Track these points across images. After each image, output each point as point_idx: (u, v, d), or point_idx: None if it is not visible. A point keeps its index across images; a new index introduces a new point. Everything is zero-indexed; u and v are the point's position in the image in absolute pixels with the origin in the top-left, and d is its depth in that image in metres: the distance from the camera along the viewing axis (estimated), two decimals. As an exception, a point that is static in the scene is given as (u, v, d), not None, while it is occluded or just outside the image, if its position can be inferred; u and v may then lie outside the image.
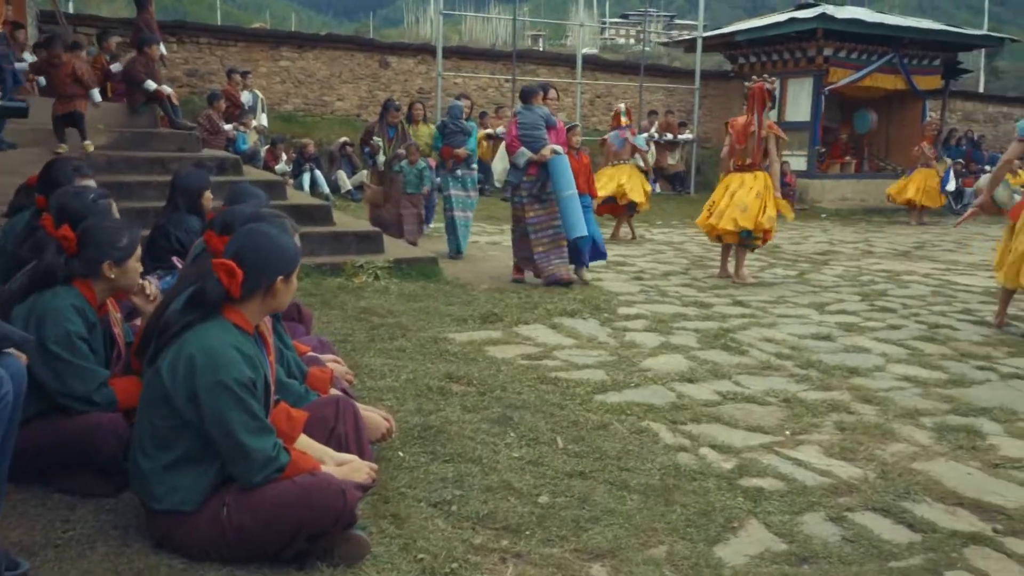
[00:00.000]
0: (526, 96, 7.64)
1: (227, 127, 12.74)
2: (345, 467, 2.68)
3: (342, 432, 2.92)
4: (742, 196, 8.00)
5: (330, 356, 3.83)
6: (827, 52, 16.88)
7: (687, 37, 22.74)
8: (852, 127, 18.81)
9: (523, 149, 7.35)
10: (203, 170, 5.45)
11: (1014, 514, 3.22)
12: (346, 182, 14.53)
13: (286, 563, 2.54)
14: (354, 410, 3.02)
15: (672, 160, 18.46)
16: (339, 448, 2.85)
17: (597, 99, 19.19)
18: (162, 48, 9.95)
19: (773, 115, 10.81)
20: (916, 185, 15.14)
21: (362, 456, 2.86)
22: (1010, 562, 2.87)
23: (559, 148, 7.42)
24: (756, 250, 8.74)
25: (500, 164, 7.89)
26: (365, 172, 12.79)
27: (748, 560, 2.80)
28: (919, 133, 15.99)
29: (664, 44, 28.92)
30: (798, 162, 17.18)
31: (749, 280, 8.27)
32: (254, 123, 13.58)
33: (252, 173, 9.57)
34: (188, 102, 13.99)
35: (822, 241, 12.49)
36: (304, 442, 2.73)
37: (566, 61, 19.17)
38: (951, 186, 16.40)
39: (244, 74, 14.23)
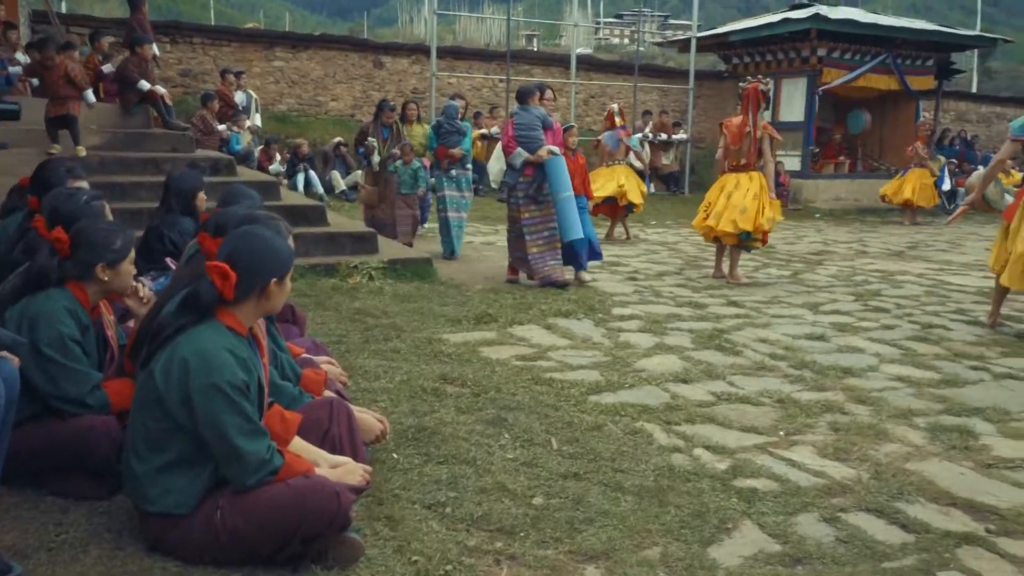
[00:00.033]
0: (522, 96, 7.62)
1: (221, 127, 12.72)
2: (339, 469, 2.68)
3: (336, 434, 2.92)
4: (739, 198, 8.01)
5: (324, 358, 3.83)
6: (821, 52, 16.91)
7: (681, 37, 22.73)
8: (846, 127, 18.85)
9: (519, 150, 7.34)
10: (197, 171, 5.44)
11: (1007, 514, 3.23)
12: (340, 182, 14.52)
13: (280, 566, 2.54)
14: (348, 412, 3.02)
15: (666, 160, 18.48)
16: (333, 450, 2.85)
17: (591, 99, 19.21)
18: (155, 48, 9.92)
19: (767, 115, 10.83)
20: (912, 185, 15.17)
21: (356, 458, 2.86)
22: (1003, 562, 2.88)
23: (556, 149, 7.41)
24: (753, 251, 8.75)
25: (496, 165, 7.89)
26: (360, 172, 12.77)
27: (742, 561, 2.80)
28: (913, 133, 16.03)
29: (658, 44, 28.97)
30: (792, 162, 17.21)
31: (743, 280, 8.28)
32: (248, 123, 13.56)
33: (246, 174, 9.56)
34: (182, 102, 13.97)
35: (816, 241, 12.52)
36: (298, 444, 2.73)
37: (560, 61, 19.18)
38: (947, 185, 16.46)
39: (238, 74, 14.21)
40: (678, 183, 18.54)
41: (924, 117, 17.82)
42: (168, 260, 4.51)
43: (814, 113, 17.25)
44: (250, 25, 27.58)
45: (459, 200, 9.09)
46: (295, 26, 44.47)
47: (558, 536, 2.89)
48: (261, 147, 13.65)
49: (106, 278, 2.98)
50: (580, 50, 22.24)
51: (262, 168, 12.81)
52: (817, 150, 18.19)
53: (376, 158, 9.35)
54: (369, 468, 2.80)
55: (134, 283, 3.13)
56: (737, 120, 8.13)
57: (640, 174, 12.02)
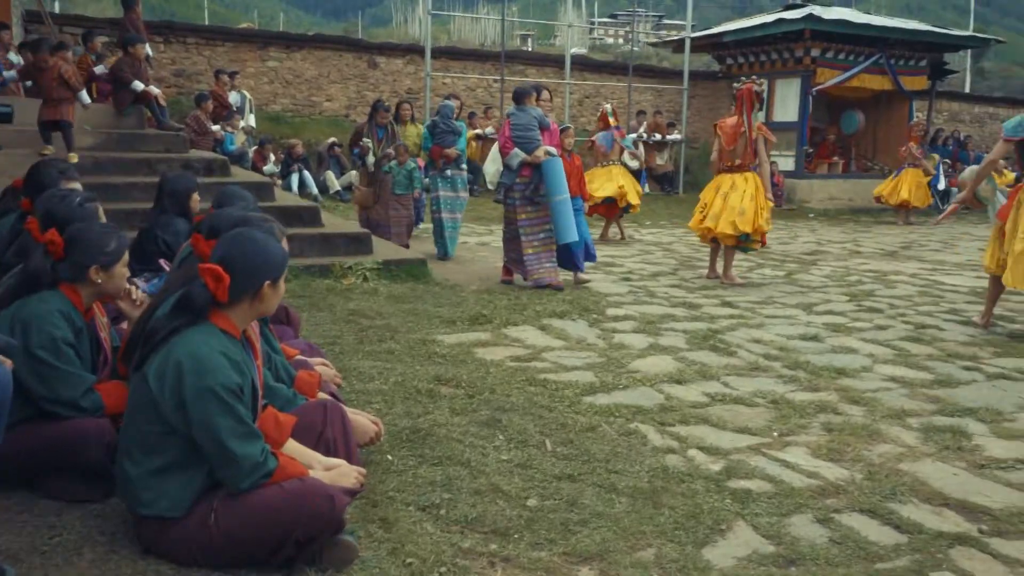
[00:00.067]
0: (519, 97, 7.59)
1: (215, 128, 12.70)
2: (333, 472, 2.68)
3: (330, 436, 2.92)
4: (736, 199, 8.00)
5: (318, 359, 3.83)
6: (815, 53, 16.95)
7: (675, 37, 22.78)
8: (839, 127, 18.90)
9: (516, 150, 7.32)
10: (190, 172, 5.44)
11: (999, 514, 3.24)
12: (334, 182, 14.51)
13: (274, 569, 2.53)
14: (342, 414, 3.02)
15: (660, 160, 18.52)
16: (327, 452, 2.85)
17: (586, 99, 19.22)
18: (147, 48, 9.89)
19: (761, 116, 10.84)
20: (908, 186, 15.22)
21: (350, 460, 2.86)
22: (995, 563, 2.89)
23: (553, 150, 7.39)
24: (750, 252, 8.75)
25: (492, 166, 7.86)
26: (354, 173, 12.77)
27: (736, 562, 2.81)
28: (906, 133, 16.08)
29: (653, 44, 28.98)
30: (786, 162, 17.26)
31: (737, 281, 8.30)
32: (242, 124, 13.55)
33: (240, 174, 9.54)
34: (176, 103, 13.95)
35: (810, 241, 12.55)
36: (292, 447, 2.73)
37: (554, 61, 19.19)
38: (942, 184, 16.54)
39: (232, 74, 14.19)
40: (672, 183, 18.57)
41: (917, 117, 17.88)
42: (162, 261, 4.50)
43: (808, 113, 17.30)
44: (244, 25, 27.58)
45: (454, 200, 9.09)
46: (289, 26, 44.48)
47: (552, 538, 2.89)
48: (255, 147, 13.63)
49: (99, 280, 2.98)
50: (575, 50, 22.26)
51: (256, 169, 12.79)
52: (811, 150, 18.24)
53: (371, 159, 9.34)
54: (363, 470, 2.80)
55: (127, 286, 3.13)
56: (731, 121, 8.14)
57: (636, 174, 12.02)
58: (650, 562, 2.78)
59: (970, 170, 7.38)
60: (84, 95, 8.53)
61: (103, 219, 3.61)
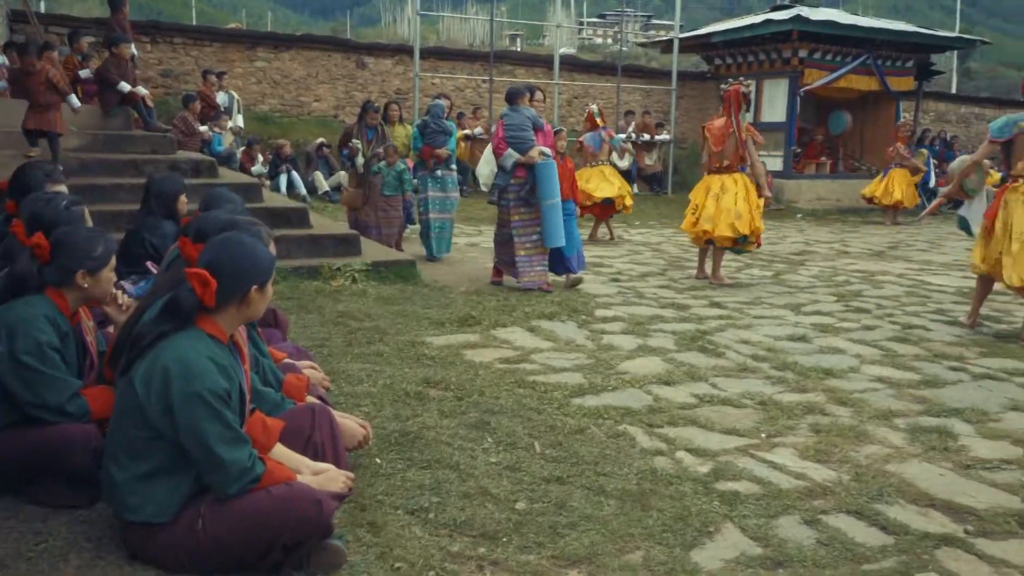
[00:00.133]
0: (512, 97, 7.54)
1: (202, 128, 12.65)
2: (321, 476, 2.68)
3: (318, 440, 2.91)
4: (729, 201, 8.01)
5: (306, 362, 3.82)
6: (802, 53, 17.01)
7: (664, 38, 22.82)
8: (827, 128, 18.96)
9: (510, 151, 7.27)
10: (178, 173, 5.41)
11: (984, 515, 3.26)
12: (323, 183, 14.48)
13: (262, 574, 2.53)
14: (330, 418, 3.01)
15: (649, 160, 18.54)
16: (315, 457, 2.84)
17: (575, 100, 19.23)
18: (133, 49, 9.84)
19: (749, 116, 10.88)
20: (899, 186, 15.29)
21: (338, 464, 2.85)
22: (981, 563, 2.91)
23: (547, 150, 7.35)
24: (744, 253, 8.77)
25: (486, 167, 7.80)
26: (343, 174, 12.74)
27: (724, 565, 2.82)
28: (893, 134, 16.15)
29: (641, 45, 29.05)
30: (774, 162, 17.28)
31: (726, 281, 8.32)
32: (230, 124, 13.49)
33: (228, 175, 9.51)
34: (163, 103, 13.89)
35: (798, 241, 12.59)
36: (280, 451, 2.72)
37: (543, 62, 19.19)
38: (932, 180, 16.67)
39: (219, 75, 14.13)
40: (661, 183, 18.60)
41: (904, 118, 17.95)
42: (149, 264, 4.49)
43: (796, 114, 17.34)
44: (232, 25, 27.49)
45: (444, 201, 9.06)
46: (277, 25, 44.37)
47: (541, 541, 2.89)
48: (243, 148, 13.58)
49: (86, 285, 2.96)
50: (563, 50, 22.27)
51: (244, 169, 12.75)
52: (799, 150, 18.30)
53: (360, 160, 9.32)
54: (351, 475, 2.80)
55: (114, 290, 3.11)
56: (719, 122, 8.16)
57: (627, 174, 11.99)
58: (638, 565, 2.78)
59: (960, 160, 7.42)
60: (74, 99, 8.39)
61: (89, 222, 3.60)
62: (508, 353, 5.36)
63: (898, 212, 15.67)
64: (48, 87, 7.91)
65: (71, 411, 2.84)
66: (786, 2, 19.13)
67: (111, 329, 3.29)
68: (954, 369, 5.38)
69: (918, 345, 6.00)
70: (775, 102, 17.48)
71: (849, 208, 17.26)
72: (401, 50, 17.98)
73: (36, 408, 2.82)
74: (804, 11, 17.08)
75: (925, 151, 17.40)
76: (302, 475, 2.64)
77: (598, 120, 11.33)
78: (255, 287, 2.55)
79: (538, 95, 7.78)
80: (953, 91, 28.64)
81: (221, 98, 13.80)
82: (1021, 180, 6.15)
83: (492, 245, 7.94)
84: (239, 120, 14.23)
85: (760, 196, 8.34)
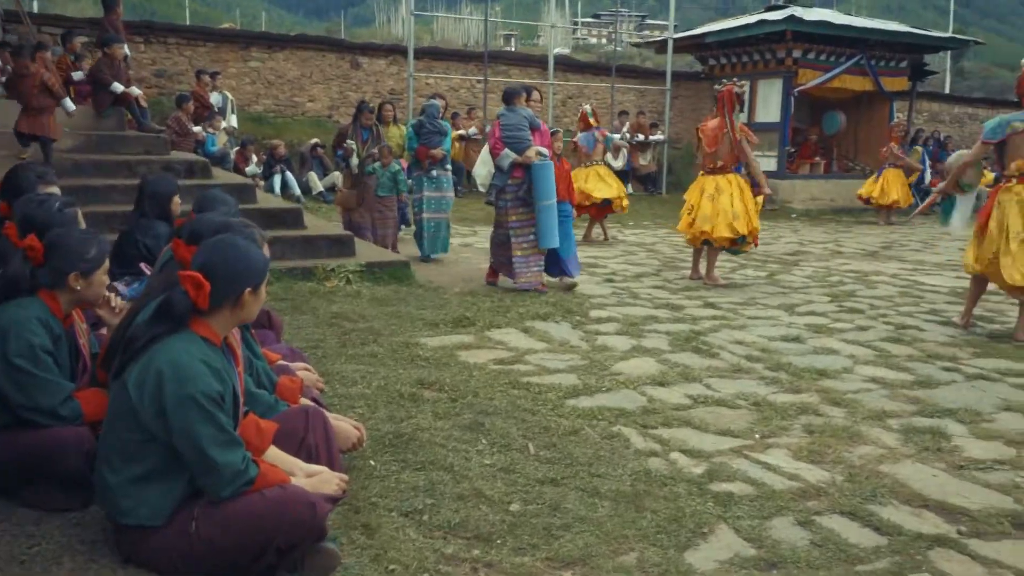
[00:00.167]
0: (508, 97, 7.52)
1: (196, 129, 12.63)
2: (315, 479, 2.67)
3: (312, 443, 2.90)
4: (726, 202, 8.02)
5: (300, 364, 3.81)
6: (796, 54, 17.05)
7: (658, 38, 22.86)
8: (821, 128, 19.02)
9: (507, 151, 7.25)
10: (171, 174, 5.40)
11: (978, 515, 3.27)
12: (317, 183, 14.46)
13: (256, 576, 2.53)
14: (324, 420, 3.01)
15: (644, 161, 18.57)
16: (309, 459, 2.84)
17: (569, 100, 19.25)
18: (126, 49, 9.81)
19: (743, 116, 10.87)
20: (895, 187, 15.33)
21: (332, 467, 2.85)
22: (974, 564, 2.92)
23: (544, 150, 7.34)
24: (741, 253, 8.78)
25: (483, 168, 7.81)
26: (337, 174, 12.73)
27: (718, 566, 2.83)
28: (886, 134, 16.20)
29: (636, 45, 29.07)
30: (768, 163, 17.31)
31: (720, 282, 8.33)
32: (223, 125, 13.48)
33: (221, 176, 9.50)
34: (156, 103, 13.86)
35: (792, 241, 12.62)
36: (274, 454, 2.72)
37: (538, 62, 19.21)
38: (928, 176, 16.78)
39: (213, 75, 14.12)
40: (655, 183, 18.63)
41: (898, 118, 18.00)
42: (142, 265, 4.47)
43: (790, 114, 17.38)
44: (226, 25, 27.47)
45: (439, 200, 9.04)
46: (271, 25, 44.32)
47: (535, 543, 2.89)
48: (237, 148, 13.57)
49: (79, 287, 2.95)
50: (558, 50, 22.28)
51: (238, 170, 12.73)
52: (793, 150, 18.35)
53: (354, 160, 9.31)
54: (345, 477, 2.79)
55: (107, 293, 3.10)
56: (712, 123, 8.17)
57: (623, 174, 11.98)
58: (632, 566, 2.79)
59: (957, 154, 7.47)
60: (68, 102, 8.29)
61: (83, 224, 3.59)
62: (502, 354, 5.36)
63: (891, 212, 15.71)
64: (42, 90, 7.81)
65: (64, 414, 2.83)
66: (780, 2, 19.18)
67: (104, 331, 3.28)
68: (947, 369, 5.40)
69: (911, 345, 6.02)
70: (769, 102, 17.53)
71: (843, 208, 17.31)
72: (395, 50, 17.97)
73: (29, 411, 2.81)
74: (798, 11, 17.13)
75: (920, 148, 17.49)
76: (296, 477, 2.63)
77: (591, 120, 11.34)
78: (249, 290, 2.55)
79: (535, 95, 7.77)
80: (947, 91, 28.72)
81: (215, 98, 13.79)
82: (1015, 180, 6.17)
83: (487, 246, 7.93)
84: (233, 120, 14.22)
85: (760, 193, 8.36)
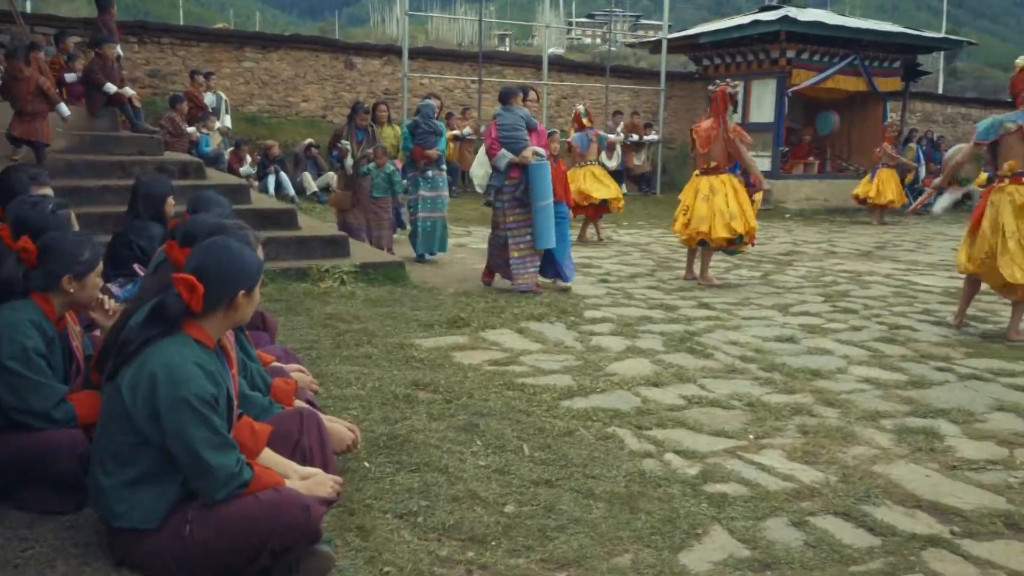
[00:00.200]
0: (505, 97, 7.49)
1: (190, 129, 12.60)
2: (309, 481, 2.67)
3: (306, 445, 2.90)
4: (721, 203, 8.03)
5: (295, 366, 3.80)
6: (790, 54, 17.08)
7: (652, 38, 22.88)
8: (815, 128, 19.05)
9: (503, 151, 7.24)
10: (165, 175, 5.39)
11: (971, 515, 3.28)
12: (311, 184, 14.45)
13: (250, 579, 2.52)
14: (318, 422, 3.01)
15: (638, 161, 18.58)
16: (303, 461, 2.84)
17: (563, 100, 19.25)
18: (118, 49, 9.78)
19: (737, 117, 10.90)
20: (891, 186, 15.37)
21: (327, 469, 2.84)
22: (967, 564, 2.93)
23: (541, 151, 7.32)
24: (736, 253, 8.79)
25: (480, 170, 7.79)
26: (332, 174, 12.72)
27: (712, 567, 2.83)
28: (880, 134, 16.24)
29: (630, 45, 29.13)
30: (762, 163, 17.28)
31: (714, 282, 8.34)
32: (217, 125, 13.45)
33: (215, 176, 9.48)
34: (150, 103, 13.83)
35: (786, 241, 12.64)
36: (268, 456, 2.71)
37: (532, 62, 19.20)
38: (923, 171, 16.87)
39: (207, 75, 14.08)
40: (650, 184, 18.65)
41: (891, 118, 18.05)
42: (136, 266, 4.47)
43: (784, 114, 17.41)
44: (220, 25, 27.41)
45: (435, 199, 9.01)
46: (265, 25, 44.26)
47: (530, 544, 2.90)
48: (231, 149, 13.54)
49: (72, 290, 2.94)
50: (552, 50, 22.30)
51: (232, 170, 12.71)
52: (787, 150, 18.38)
53: (349, 161, 9.29)
54: (339, 479, 2.79)
55: (100, 295, 3.10)
56: (705, 124, 8.18)
57: (618, 174, 11.97)
58: (627, 568, 2.79)
59: (956, 147, 7.52)
60: (64, 107, 8.22)
61: (76, 226, 3.58)
62: (497, 355, 5.36)
63: (885, 212, 15.75)
64: (38, 95, 7.71)
65: (57, 417, 2.83)
66: (774, 3, 19.21)
67: (98, 333, 3.28)
68: (940, 370, 5.42)
69: (905, 346, 6.04)
70: (763, 102, 17.56)
71: (837, 208, 17.35)
72: (389, 50, 17.96)
73: (21, 414, 2.80)
74: (792, 12, 17.16)
75: (914, 146, 17.60)
76: (290, 480, 2.63)
77: (584, 120, 11.34)
78: (242, 292, 2.55)
79: (531, 95, 7.74)
80: (940, 91, 28.80)
81: (209, 99, 13.75)
82: (1007, 180, 6.20)
83: (481, 246, 7.93)
84: (227, 121, 14.19)
85: (760, 189, 8.38)
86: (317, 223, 9.42)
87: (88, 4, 18.18)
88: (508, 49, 35.79)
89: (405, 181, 9.24)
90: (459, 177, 16.01)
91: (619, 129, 17.68)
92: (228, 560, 2.46)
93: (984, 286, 6.56)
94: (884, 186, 15.40)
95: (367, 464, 3.47)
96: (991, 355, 5.80)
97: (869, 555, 2.95)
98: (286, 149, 14.85)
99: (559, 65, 19.89)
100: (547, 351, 5.53)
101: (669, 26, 19.36)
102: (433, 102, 9.52)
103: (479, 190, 8.19)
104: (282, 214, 8.27)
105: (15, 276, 2.91)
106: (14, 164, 5.25)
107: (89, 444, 2.70)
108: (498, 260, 7.56)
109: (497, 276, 7.67)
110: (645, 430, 4.10)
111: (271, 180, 13.81)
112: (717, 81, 8.47)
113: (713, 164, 8.17)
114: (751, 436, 4.09)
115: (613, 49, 24.19)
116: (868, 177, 15.84)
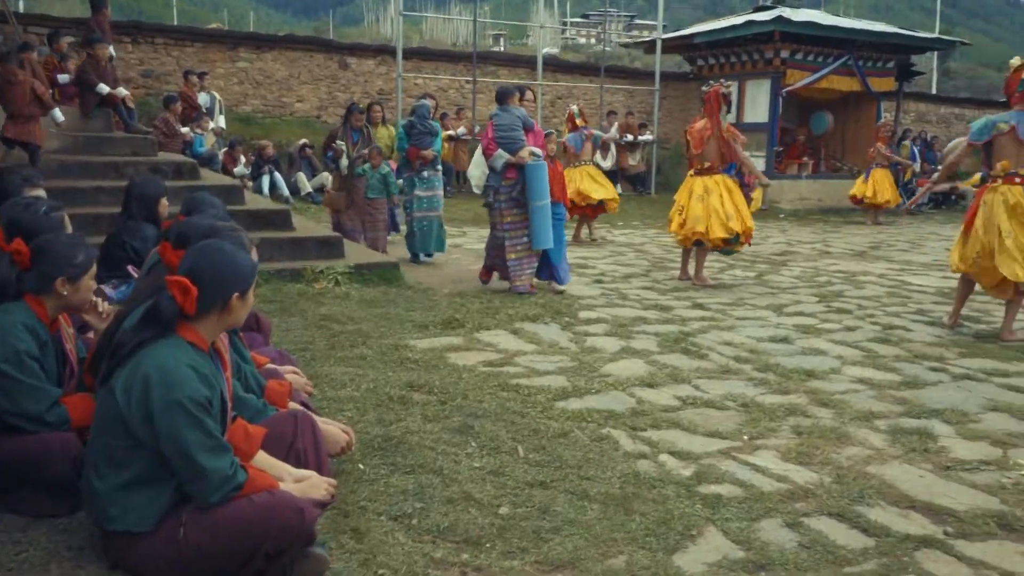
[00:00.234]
0: (502, 97, 7.47)
1: (184, 130, 12.57)
2: (303, 483, 2.66)
3: (301, 447, 2.90)
4: (717, 203, 8.03)
5: (289, 367, 3.80)
6: (784, 54, 17.11)
7: (647, 38, 22.92)
8: (809, 128, 19.10)
9: (500, 151, 7.21)
10: (159, 176, 5.38)
11: (964, 516, 3.29)
12: (306, 184, 14.42)
13: (244, 582, 2.52)
14: (313, 425, 3.00)
15: (633, 161, 18.61)
16: (298, 464, 2.83)
17: (558, 100, 19.25)
18: (111, 49, 9.75)
19: (731, 117, 10.89)
20: (887, 186, 15.41)
21: (321, 471, 2.84)
22: (960, 565, 2.94)
23: (538, 151, 7.30)
24: (732, 253, 8.80)
25: (477, 170, 7.78)
26: (326, 174, 12.70)
27: (706, 568, 2.83)
28: (874, 134, 16.27)
29: (624, 45, 29.14)
30: (757, 163, 17.26)
31: (709, 282, 8.35)
32: (211, 125, 13.42)
33: (209, 177, 9.46)
34: (144, 104, 13.80)
35: (780, 242, 12.66)
36: (262, 459, 2.71)
37: (527, 62, 19.20)
38: (918, 166, 16.93)
39: (201, 75, 14.06)
40: (644, 184, 18.67)
41: (885, 118, 18.08)
42: (130, 268, 4.46)
43: (778, 114, 17.44)
44: (214, 25, 27.37)
45: (431, 199, 9.00)
46: (259, 25, 44.20)
47: (524, 546, 2.90)
48: (225, 149, 13.52)
49: (65, 293, 2.93)
50: (547, 50, 22.30)
51: (226, 171, 12.69)
52: (781, 151, 18.41)
53: (344, 161, 9.28)
54: (334, 482, 2.79)
55: (93, 298, 3.09)
56: (699, 124, 8.18)
57: (612, 174, 11.97)
58: (621, 569, 2.79)
59: (956, 141, 7.56)
60: (58, 113, 8.16)
61: (69, 229, 3.57)
62: (492, 356, 5.36)
63: (880, 212, 15.78)
64: (32, 99, 7.64)
65: (50, 420, 2.82)
66: (768, 3, 19.24)
67: (92, 335, 3.27)
68: (934, 370, 5.43)
69: (899, 346, 6.05)
70: (757, 103, 17.58)
71: (831, 208, 17.39)
72: (384, 50, 17.95)
73: (14, 417, 2.79)
74: (786, 12, 17.21)
75: (908, 144, 17.66)
76: (284, 482, 2.63)
77: (578, 120, 11.35)
78: (236, 294, 2.54)
79: (528, 95, 7.73)
80: (933, 91, 28.89)
81: (203, 99, 13.73)
82: (1000, 180, 6.21)
83: (476, 247, 7.93)
84: (221, 121, 14.17)
85: (759, 186, 8.40)
86: (311, 224, 9.41)
87: (82, 4, 18.13)
88: (503, 49, 35.78)
89: (400, 181, 9.23)
90: (453, 177, 16.00)
91: (613, 129, 17.68)
92: (222, 563, 2.45)
93: (977, 286, 6.58)
94: (879, 186, 15.43)
95: (361, 466, 3.47)
96: (984, 355, 5.82)
97: (863, 556, 2.96)
98: (280, 149, 14.83)
99: (554, 65, 19.90)
100: (542, 352, 5.53)
101: (664, 26, 19.42)
102: (428, 102, 9.51)
103: (476, 191, 8.18)
104: (276, 215, 8.26)
105: (8, 278, 2.90)
106: (7, 166, 5.23)
107: (83, 447, 2.70)
108: (496, 260, 7.55)
109: (494, 276, 7.67)
110: (639, 431, 4.11)
111: (265, 180, 13.78)
112: (711, 81, 8.48)
113: (707, 165, 8.17)
114: (745, 437, 4.10)
115: (608, 49, 24.20)
116: (863, 177, 15.86)
